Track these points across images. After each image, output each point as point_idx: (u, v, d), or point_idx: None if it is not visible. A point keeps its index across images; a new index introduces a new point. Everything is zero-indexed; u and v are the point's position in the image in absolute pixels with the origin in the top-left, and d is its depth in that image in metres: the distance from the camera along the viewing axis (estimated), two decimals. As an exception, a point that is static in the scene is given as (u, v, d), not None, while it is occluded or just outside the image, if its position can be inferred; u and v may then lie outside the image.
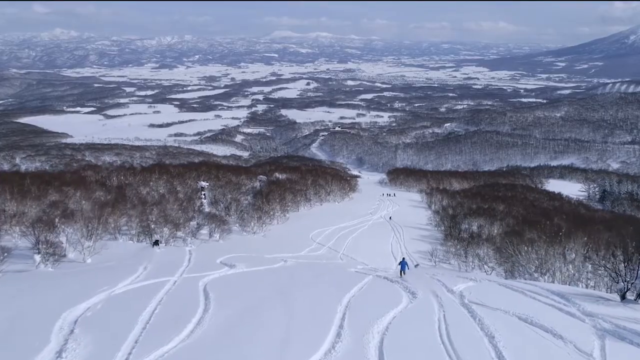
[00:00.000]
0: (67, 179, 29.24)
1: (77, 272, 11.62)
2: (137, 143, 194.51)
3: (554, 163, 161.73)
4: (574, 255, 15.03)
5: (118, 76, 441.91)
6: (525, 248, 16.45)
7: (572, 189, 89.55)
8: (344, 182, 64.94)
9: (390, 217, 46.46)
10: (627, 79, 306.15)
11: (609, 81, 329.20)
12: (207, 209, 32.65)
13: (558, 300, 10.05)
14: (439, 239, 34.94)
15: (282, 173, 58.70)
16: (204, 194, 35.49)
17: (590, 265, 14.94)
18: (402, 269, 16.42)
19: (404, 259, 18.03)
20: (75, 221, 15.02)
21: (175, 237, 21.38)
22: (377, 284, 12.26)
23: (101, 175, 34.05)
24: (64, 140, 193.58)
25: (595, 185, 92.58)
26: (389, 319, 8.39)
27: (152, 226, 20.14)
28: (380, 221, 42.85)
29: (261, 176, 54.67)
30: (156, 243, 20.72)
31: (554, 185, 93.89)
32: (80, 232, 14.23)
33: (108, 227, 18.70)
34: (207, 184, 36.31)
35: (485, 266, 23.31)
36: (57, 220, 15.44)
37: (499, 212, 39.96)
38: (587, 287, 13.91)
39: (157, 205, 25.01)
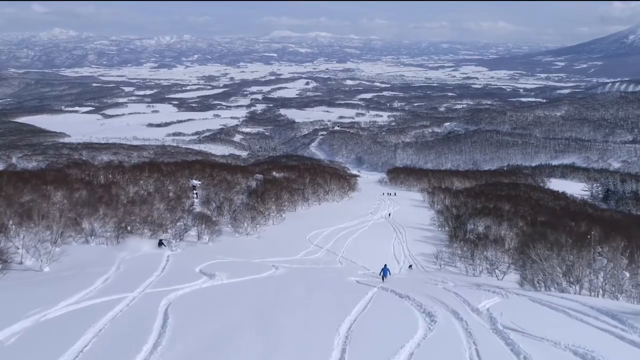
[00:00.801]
0: (49, 177, 27.31)
1: (21, 285, 9.67)
2: (135, 142, 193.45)
3: (554, 162, 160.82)
4: (606, 261, 13.20)
5: (117, 76, 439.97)
6: (549, 253, 14.50)
7: (574, 188, 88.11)
8: (343, 181, 62.94)
9: (389, 214, 45.31)
10: (627, 79, 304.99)
11: (608, 81, 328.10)
12: (198, 209, 30.74)
13: (611, 323, 8.04)
14: (443, 240, 33.03)
15: (279, 172, 56.73)
16: (196, 193, 33.55)
17: (628, 274, 13.10)
18: (384, 275, 16.51)
19: (385, 265, 17.86)
20: (34, 223, 13.02)
21: (158, 239, 19.41)
22: (383, 301, 10.08)
23: (87, 174, 32.11)
24: (61, 140, 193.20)
25: (598, 185, 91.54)
26: (405, 358, 6.42)
27: (129, 228, 18.22)
28: (381, 221, 40.94)
29: (258, 175, 52.80)
30: (161, 243, 19.07)
31: (555, 184, 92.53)
32: (38, 236, 12.27)
33: (81, 229, 16.76)
34: (199, 182, 34.36)
35: (496, 270, 21.46)
36: (10, 222, 13.48)
37: (505, 212, 38.09)
38: (620, 299, 12.09)
39: (142, 205, 23.11)
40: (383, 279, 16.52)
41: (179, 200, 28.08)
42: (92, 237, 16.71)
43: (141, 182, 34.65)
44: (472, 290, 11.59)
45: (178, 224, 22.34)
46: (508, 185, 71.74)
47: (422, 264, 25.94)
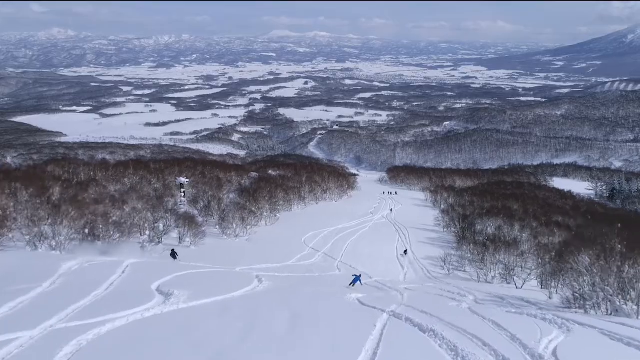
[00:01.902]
0: (19, 174, 24.91)
1: None
2: (132, 142, 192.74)
3: (555, 161, 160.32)
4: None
5: (115, 75, 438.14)
6: (602, 262, 11.91)
7: (578, 187, 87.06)
8: (342, 179, 60.39)
9: (391, 210, 44.41)
10: (626, 78, 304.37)
11: (607, 80, 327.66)
12: (184, 209, 28.40)
13: None
14: (450, 242, 30.71)
15: (275, 169, 54.28)
16: (183, 192, 31.18)
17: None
18: (354, 282, 15.99)
19: (360, 275, 16.84)
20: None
21: (131, 243, 17.07)
22: (400, 340, 7.17)
23: (65, 170, 29.72)
24: (58, 139, 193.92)
25: (602, 184, 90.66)
26: None
27: (87, 230, 15.87)
28: (382, 222, 38.58)
29: (253, 173, 50.52)
30: (174, 254, 17.49)
31: (559, 183, 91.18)
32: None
33: (39, 233, 14.39)
34: (187, 180, 31.97)
35: (514, 278, 19.12)
36: None
37: (516, 211, 35.73)
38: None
39: (116, 204, 20.74)
40: (352, 285, 15.90)
41: (160, 199, 25.69)
42: (41, 242, 14.29)
43: (125, 179, 32.30)
44: (513, 317, 8.87)
45: (156, 225, 19.97)
46: (512, 184, 69.74)
47: (428, 269, 23.59)
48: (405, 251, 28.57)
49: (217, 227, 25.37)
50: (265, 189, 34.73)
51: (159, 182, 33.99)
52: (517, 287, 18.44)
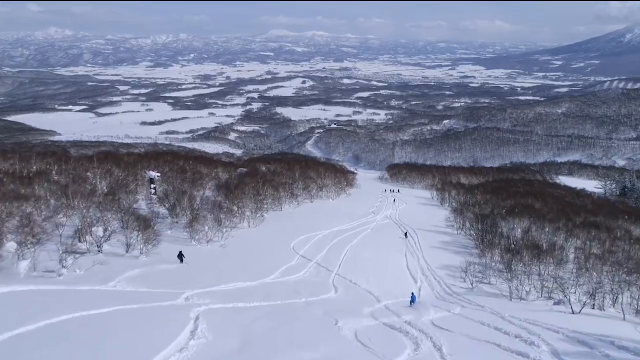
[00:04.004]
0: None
1: None
2: (127, 140, 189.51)
3: (558, 160, 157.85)
4: None
5: (112, 75, 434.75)
6: None
7: (586, 185, 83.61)
8: (340, 175, 55.44)
9: (394, 200, 43.94)
10: (624, 77, 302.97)
11: (605, 79, 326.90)
12: (153, 208, 23.73)
13: None
14: (466, 247, 26.14)
15: (266, 164, 49.47)
16: (154, 188, 26.51)
17: None
18: (412, 301, 14.97)
19: (412, 293, 15.09)
20: None
21: (48, 253, 12.44)
22: None
23: (10, 163, 25.07)
24: (51, 138, 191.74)
25: (611, 182, 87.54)
26: None
27: None
28: (385, 222, 33.92)
29: (242, 169, 45.92)
30: (181, 256, 15.55)
31: (565, 181, 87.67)
32: None
33: None
34: (158, 174, 27.30)
35: (568, 296, 14.53)
36: None
37: (541, 211, 31.09)
38: None
39: (28, 200, 16.08)
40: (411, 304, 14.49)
41: (113, 196, 20.98)
42: None
43: (89, 173, 27.58)
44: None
45: (94, 229, 15.30)
46: (521, 181, 65.17)
47: (446, 281, 18.96)
48: (406, 234, 27.84)
49: (186, 230, 20.54)
50: (249, 184, 29.93)
51: (130, 176, 29.28)
52: (572, 312, 13.92)
